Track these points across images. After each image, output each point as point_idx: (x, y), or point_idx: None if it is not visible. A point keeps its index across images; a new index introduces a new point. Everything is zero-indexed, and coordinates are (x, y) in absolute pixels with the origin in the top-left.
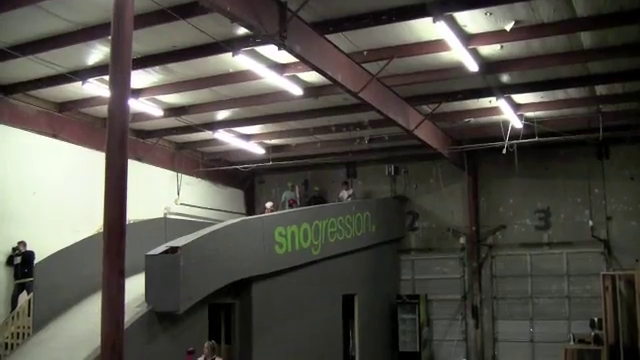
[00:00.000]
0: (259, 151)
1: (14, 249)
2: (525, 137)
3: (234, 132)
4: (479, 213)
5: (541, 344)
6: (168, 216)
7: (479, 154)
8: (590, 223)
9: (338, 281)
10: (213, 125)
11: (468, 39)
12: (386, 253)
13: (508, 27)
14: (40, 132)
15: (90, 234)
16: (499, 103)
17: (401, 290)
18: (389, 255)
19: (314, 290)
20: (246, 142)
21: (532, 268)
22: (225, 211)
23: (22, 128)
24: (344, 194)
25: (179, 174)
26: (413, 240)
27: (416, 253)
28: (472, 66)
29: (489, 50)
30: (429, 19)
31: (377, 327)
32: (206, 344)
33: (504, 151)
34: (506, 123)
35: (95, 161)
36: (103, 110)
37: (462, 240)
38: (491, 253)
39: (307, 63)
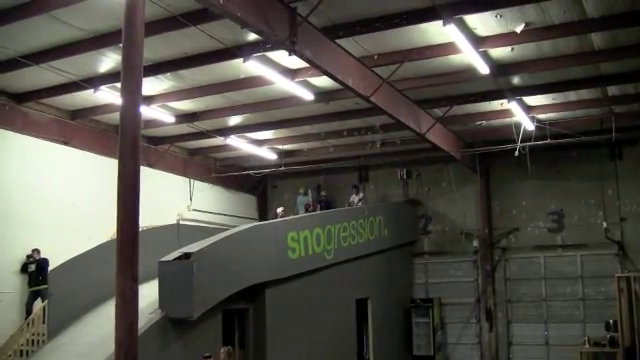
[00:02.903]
0: (271, 156)
1: (28, 257)
2: (537, 139)
3: (246, 137)
4: (492, 216)
5: (556, 347)
6: (181, 222)
7: (491, 157)
8: (604, 225)
9: (351, 285)
10: (225, 131)
11: (479, 42)
12: (399, 257)
13: (518, 29)
14: (52, 139)
15: (103, 241)
16: (511, 105)
17: (414, 294)
18: (402, 259)
19: (327, 294)
20: (258, 147)
21: (546, 270)
22: (238, 217)
23: (35, 136)
24: (354, 198)
25: (191, 180)
26: (426, 243)
27: (429, 256)
28: (483, 69)
29: (500, 52)
30: (439, 22)
31: (391, 331)
32: (222, 349)
33: (516, 153)
34: (518, 125)
35: (108, 168)
36: (115, 117)
37: (475, 243)
38: (504, 256)
39: (318, 68)
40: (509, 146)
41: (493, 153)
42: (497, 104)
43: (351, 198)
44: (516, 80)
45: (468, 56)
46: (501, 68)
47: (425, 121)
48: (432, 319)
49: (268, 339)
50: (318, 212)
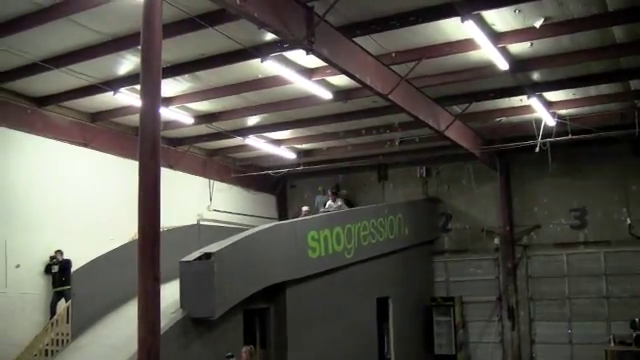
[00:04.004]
0: (290, 156)
1: (51, 258)
2: (558, 135)
3: (265, 137)
4: (513, 213)
5: (580, 345)
6: (201, 223)
7: (511, 153)
8: (628, 221)
9: (372, 284)
10: (243, 131)
11: (497, 37)
12: (419, 255)
13: (537, 24)
14: (73, 142)
15: (125, 242)
16: (530, 101)
17: (435, 292)
18: (422, 257)
19: (348, 293)
20: (277, 147)
21: (569, 268)
22: (257, 216)
23: (56, 139)
24: (332, 205)
25: (211, 181)
26: (446, 241)
27: (450, 255)
28: (502, 64)
29: (519, 48)
30: (457, 19)
31: (412, 330)
32: (244, 349)
33: (537, 150)
34: (538, 121)
35: (128, 169)
36: (135, 119)
37: (496, 241)
38: (526, 253)
39: (335, 67)
40: (530, 142)
41: (513, 150)
42: (517, 100)
43: (327, 203)
44: (536, 76)
45: (487, 52)
46: (520, 64)
47: (444, 118)
48: (453, 318)
49: (289, 338)
50: (338, 211)
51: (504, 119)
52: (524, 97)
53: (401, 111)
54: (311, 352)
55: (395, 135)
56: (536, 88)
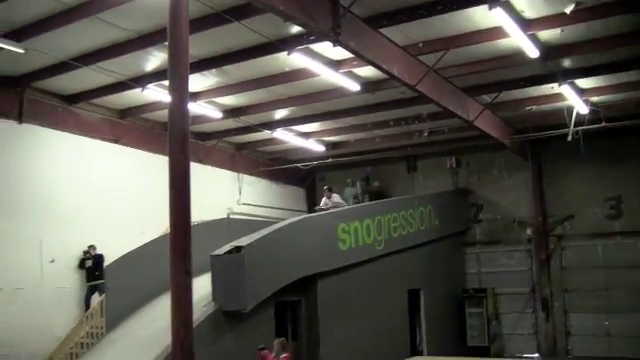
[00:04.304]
0: (318, 148)
1: (85, 253)
2: (591, 123)
3: (292, 130)
4: (545, 203)
5: (618, 338)
6: (231, 216)
7: (543, 142)
8: None
9: (403, 276)
10: (271, 124)
11: (526, 24)
12: (450, 247)
13: (568, 10)
14: (104, 139)
15: (156, 236)
16: (562, 89)
17: (467, 284)
18: (454, 248)
19: (379, 285)
20: (305, 140)
21: (604, 259)
22: (286, 209)
23: (87, 135)
24: (327, 203)
25: (240, 174)
26: (478, 232)
27: (481, 246)
28: (532, 52)
29: (549, 35)
30: (485, 6)
31: (444, 321)
32: (276, 341)
33: (569, 138)
34: (570, 109)
35: (157, 165)
36: (163, 114)
37: (529, 231)
38: (560, 244)
39: (362, 58)
40: (562, 131)
41: (545, 139)
42: (548, 88)
43: (322, 201)
44: (567, 63)
45: (516, 40)
46: (551, 51)
47: (473, 108)
48: (486, 309)
49: (321, 331)
50: (368, 203)
51: (535, 108)
52: (555, 85)
53: (429, 102)
54: (343, 344)
55: (424, 126)
56: (567, 75)
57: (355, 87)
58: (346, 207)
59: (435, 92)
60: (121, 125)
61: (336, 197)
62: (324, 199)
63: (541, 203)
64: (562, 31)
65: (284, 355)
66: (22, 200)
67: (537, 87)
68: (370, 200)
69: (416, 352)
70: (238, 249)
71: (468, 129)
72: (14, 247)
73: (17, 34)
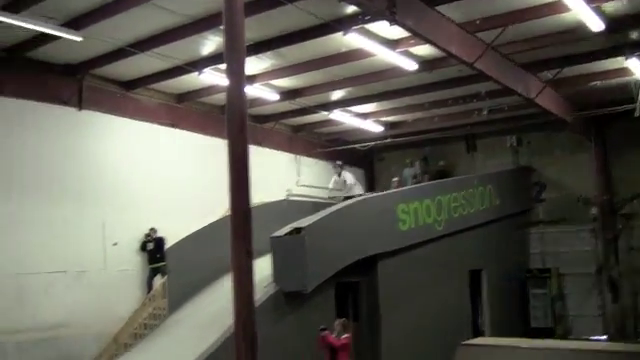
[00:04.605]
0: (376, 129)
1: (146, 235)
2: None
3: (350, 111)
4: (611, 181)
5: None
6: (290, 198)
7: (607, 119)
8: None
9: (464, 256)
10: (328, 106)
11: None
12: (512, 226)
13: None
14: (162, 123)
15: (216, 219)
16: (628, 63)
17: (530, 264)
18: (516, 228)
19: (439, 266)
20: (362, 121)
21: None
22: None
23: (145, 120)
24: (337, 180)
25: (298, 156)
26: (541, 212)
27: (545, 225)
28: (596, 25)
29: (614, 6)
30: None
31: (506, 302)
32: (337, 322)
33: (637, 114)
34: (638, 84)
35: (216, 148)
36: (220, 98)
37: (594, 210)
38: (629, 224)
39: (419, 37)
40: (628, 106)
41: (609, 115)
42: (613, 62)
43: (333, 179)
44: (635, 35)
45: (579, 13)
46: (616, 23)
47: (534, 85)
48: (550, 290)
49: (382, 312)
50: (427, 183)
51: (599, 83)
52: (621, 58)
53: (488, 79)
54: (404, 325)
55: (483, 104)
56: (635, 48)
57: (412, 66)
58: (355, 190)
59: (494, 69)
60: (178, 109)
61: (349, 176)
62: (334, 177)
63: (606, 181)
64: (628, 1)
65: (345, 336)
66: (84, 185)
67: (601, 62)
68: (433, 180)
69: (478, 333)
70: (298, 230)
71: (529, 107)
72: (78, 231)
73: (75, 23)
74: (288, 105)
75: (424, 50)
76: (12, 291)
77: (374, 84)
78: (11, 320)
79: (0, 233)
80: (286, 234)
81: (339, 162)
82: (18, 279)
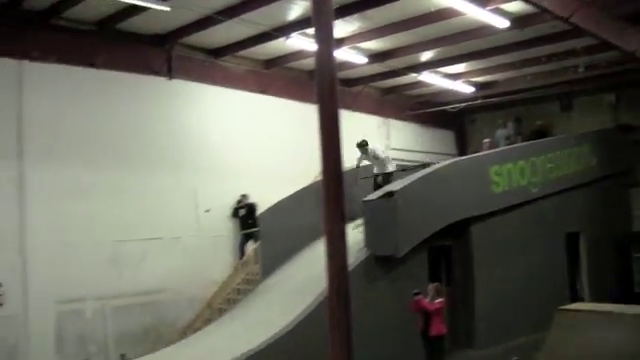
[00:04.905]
0: (467, 90)
1: (238, 202)
2: None
3: (439, 72)
4: None
5: None
6: None
7: None
8: None
9: (559, 219)
10: (417, 67)
11: None
12: (612, 187)
13: None
14: (250, 90)
15: (306, 184)
16: None
17: (633, 227)
18: (616, 189)
19: (534, 229)
20: (452, 82)
21: None
22: (436, 153)
23: (234, 88)
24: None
25: (387, 119)
26: None
27: None
28: None
29: None
30: None
31: (606, 266)
32: (430, 286)
33: None
34: None
35: (304, 113)
36: (307, 63)
37: None
38: None
39: None
40: None
41: None
42: None
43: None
44: None
45: None
46: None
47: (635, 39)
48: None
49: (475, 276)
50: (521, 144)
51: None
52: None
53: (584, 35)
54: (498, 289)
55: (578, 61)
56: None
57: (504, 24)
58: (389, 167)
59: (591, 23)
60: (266, 76)
61: (379, 148)
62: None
63: None
64: None
65: (438, 300)
66: (177, 153)
67: None
68: (529, 140)
69: (576, 299)
70: (390, 194)
71: (628, 62)
72: (171, 198)
73: None
74: (376, 68)
75: (516, 6)
76: (109, 258)
77: (464, 44)
78: (109, 286)
79: (97, 202)
80: (378, 198)
81: (363, 140)
82: (115, 246)
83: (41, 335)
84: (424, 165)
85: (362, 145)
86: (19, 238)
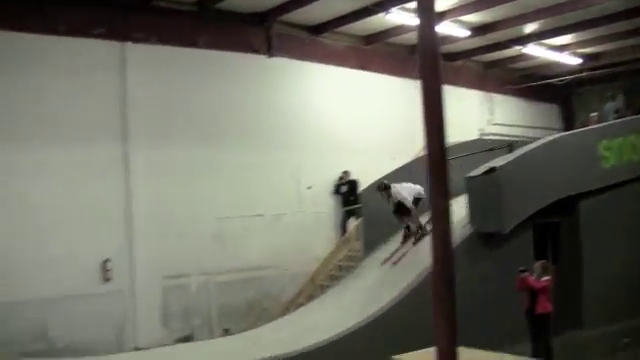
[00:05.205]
0: (573, 62)
1: (340, 178)
2: None
3: (544, 44)
4: None
5: None
6: (483, 137)
7: None
8: None
9: None
10: (521, 40)
11: None
12: None
13: None
14: (350, 66)
15: (408, 160)
16: None
17: None
18: None
19: None
20: (558, 54)
21: None
22: (540, 128)
23: (334, 64)
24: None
25: (490, 94)
26: None
27: None
28: None
29: None
30: None
31: None
32: (537, 263)
33: None
34: None
35: (406, 89)
36: (408, 37)
37: None
38: None
39: None
40: None
41: None
42: None
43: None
44: None
45: None
46: None
47: None
48: None
49: (584, 254)
50: (631, 117)
51: None
52: None
53: None
54: (608, 268)
55: None
56: None
57: None
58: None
59: None
60: (366, 51)
61: (398, 189)
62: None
63: None
64: None
65: (545, 278)
66: (278, 131)
67: None
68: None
69: None
70: (493, 170)
71: None
72: (273, 176)
73: None
74: (479, 41)
75: None
76: (213, 234)
77: (570, 14)
78: (213, 262)
79: (200, 179)
80: (481, 174)
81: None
82: (219, 223)
83: (148, 309)
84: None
85: (385, 188)
86: (126, 216)
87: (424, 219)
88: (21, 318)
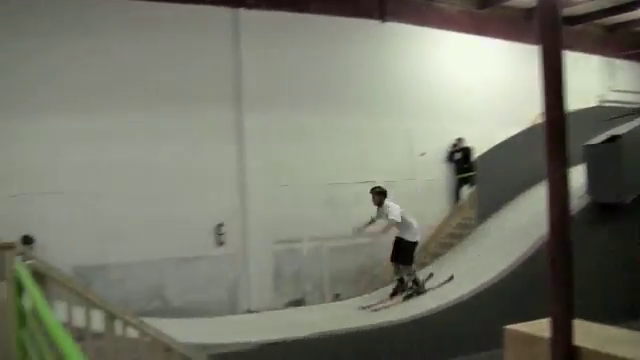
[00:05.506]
0: None
1: (453, 145)
2: None
3: None
4: None
5: None
6: (602, 104)
7: None
8: None
9: None
10: None
11: None
12: None
13: None
14: (465, 31)
15: (524, 127)
16: None
17: None
18: None
19: None
20: None
21: None
22: None
23: (448, 29)
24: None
25: (610, 59)
26: None
27: None
28: None
29: None
30: None
31: None
32: None
33: None
34: None
35: (522, 54)
36: (523, 1)
37: None
38: None
39: None
40: None
41: None
42: None
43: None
44: None
45: None
46: None
47: None
48: None
49: None
50: None
51: None
52: None
53: None
54: None
55: None
56: None
57: None
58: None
59: None
60: (481, 16)
61: (392, 207)
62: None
63: None
64: None
65: None
66: (391, 96)
67: None
68: None
69: None
70: (614, 138)
71: None
72: (386, 142)
73: None
74: (601, 3)
75: None
76: (324, 200)
77: None
78: (324, 227)
79: (312, 145)
80: (601, 142)
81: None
82: (330, 189)
83: (259, 273)
84: None
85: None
86: (238, 180)
87: (423, 275)
88: (138, 278)
